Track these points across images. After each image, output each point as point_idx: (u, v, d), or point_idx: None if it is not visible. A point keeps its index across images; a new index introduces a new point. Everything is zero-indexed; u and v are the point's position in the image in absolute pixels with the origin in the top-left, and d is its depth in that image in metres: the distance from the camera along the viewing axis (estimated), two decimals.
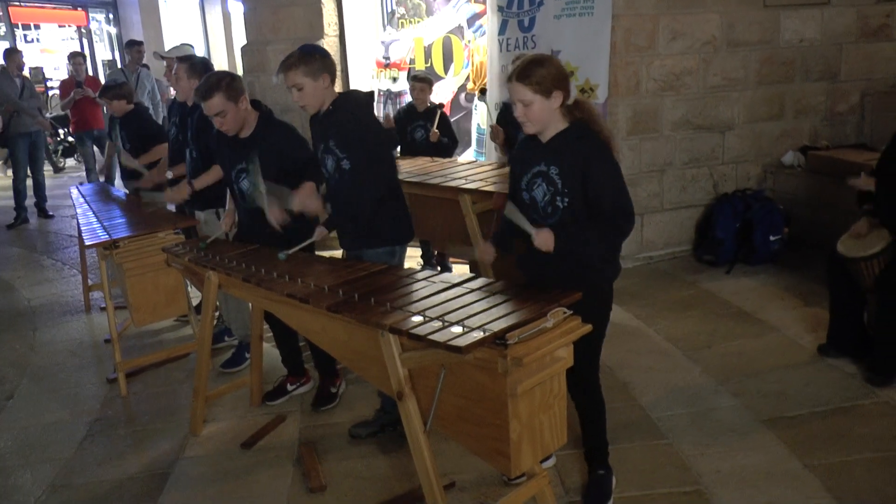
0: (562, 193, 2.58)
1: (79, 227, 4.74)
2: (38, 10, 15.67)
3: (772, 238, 5.48)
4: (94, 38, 17.13)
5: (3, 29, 14.68)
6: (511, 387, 2.18)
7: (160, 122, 7.56)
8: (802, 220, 5.72)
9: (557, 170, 2.59)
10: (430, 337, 2.22)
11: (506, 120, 5.11)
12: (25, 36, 15.61)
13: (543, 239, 2.53)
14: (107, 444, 3.73)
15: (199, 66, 4.38)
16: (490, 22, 5.79)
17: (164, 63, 4.97)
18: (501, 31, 5.63)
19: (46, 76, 14.47)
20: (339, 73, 6.69)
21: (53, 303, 5.95)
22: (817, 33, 5.94)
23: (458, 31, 6.57)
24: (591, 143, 2.59)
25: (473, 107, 6.62)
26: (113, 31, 17.45)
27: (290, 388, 4.01)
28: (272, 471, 3.35)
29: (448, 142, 5.51)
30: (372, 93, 3.71)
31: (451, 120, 6.64)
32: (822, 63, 6.02)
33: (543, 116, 2.59)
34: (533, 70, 2.54)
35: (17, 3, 14.89)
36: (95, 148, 9.22)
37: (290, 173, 3.47)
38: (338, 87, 6.49)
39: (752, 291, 5.11)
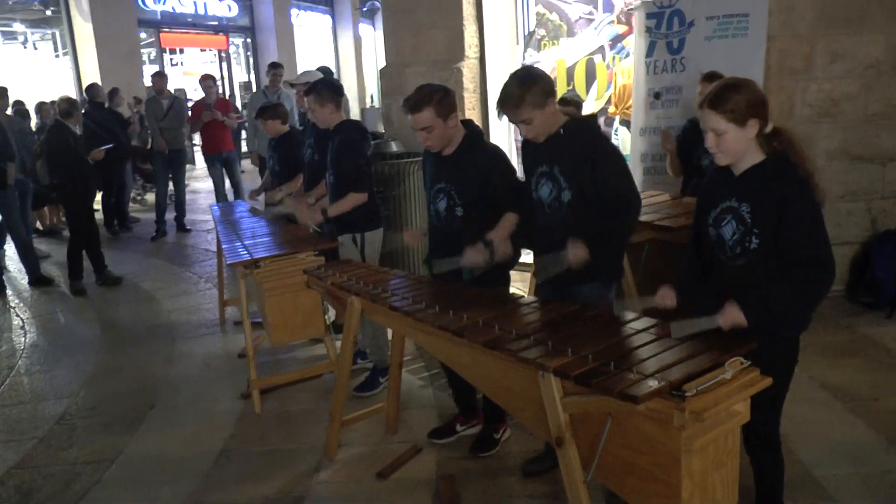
0: (752, 234, 2.35)
1: (219, 245, 4.86)
2: (185, 36, 16.72)
3: None
4: (232, 61, 18.01)
5: (154, 53, 15.66)
6: (686, 442, 2.00)
7: None
8: None
9: (749, 207, 2.36)
10: (601, 383, 2.06)
11: (686, 140, 4.64)
12: (171, 59, 16.63)
13: (732, 317, 2.28)
14: (242, 462, 3.75)
15: (326, 92, 4.37)
16: (637, 44, 5.59)
17: (295, 89, 5.05)
18: (649, 53, 5.42)
19: (188, 97, 15.30)
20: (478, 96, 6.62)
21: (190, 315, 6.15)
22: None
23: (600, 52, 6.39)
24: (790, 180, 2.33)
25: (614, 131, 6.39)
26: (250, 54, 18.31)
27: (459, 427, 3.81)
28: None
29: None
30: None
31: None
32: None
33: (737, 147, 2.37)
34: (727, 96, 2.33)
35: (168, 30, 15.91)
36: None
37: (491, 200, 3.28)
38: (477, 111, 6.49)
39: None
